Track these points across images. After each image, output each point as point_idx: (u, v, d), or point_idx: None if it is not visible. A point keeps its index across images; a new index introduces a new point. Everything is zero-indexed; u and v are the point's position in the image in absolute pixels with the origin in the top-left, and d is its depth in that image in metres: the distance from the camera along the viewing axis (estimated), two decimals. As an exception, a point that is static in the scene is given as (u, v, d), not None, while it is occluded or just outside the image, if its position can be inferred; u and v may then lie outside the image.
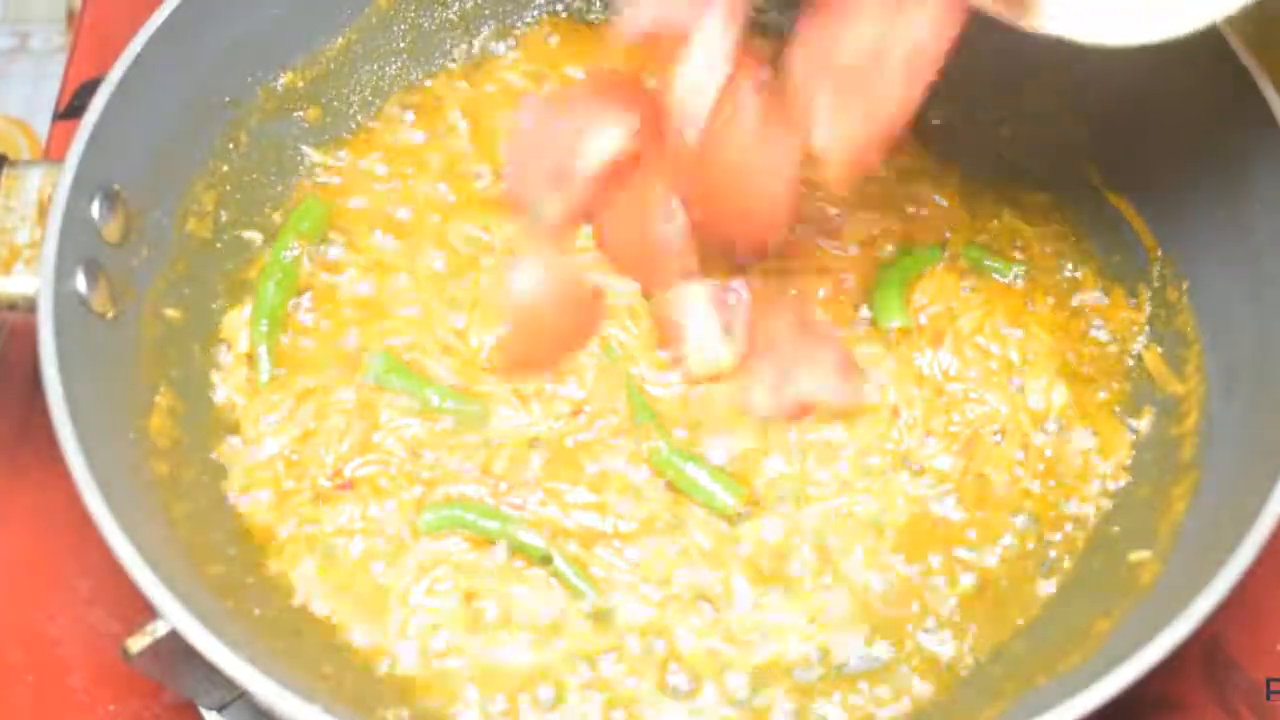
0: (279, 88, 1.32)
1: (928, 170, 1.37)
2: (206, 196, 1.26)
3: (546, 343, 1.20)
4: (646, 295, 1.24)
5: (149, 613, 0.94)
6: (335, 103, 1.37)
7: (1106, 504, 1.19)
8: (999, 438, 1.21)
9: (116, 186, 1.12)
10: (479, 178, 1.35)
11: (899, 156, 1.37)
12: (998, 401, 1.23)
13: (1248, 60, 1.15)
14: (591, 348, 1.23)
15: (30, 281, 1.07)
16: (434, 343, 1.24)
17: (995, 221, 1.34)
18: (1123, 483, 1.20)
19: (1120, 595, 1.08)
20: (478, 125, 1.39)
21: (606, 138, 1.19)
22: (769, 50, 1.13)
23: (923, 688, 1.10)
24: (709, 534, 1.15)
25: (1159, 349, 1.24)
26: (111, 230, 1.12)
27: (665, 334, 1.22)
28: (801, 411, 1.19)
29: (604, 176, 1.20)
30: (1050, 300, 1.29)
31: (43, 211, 1.09)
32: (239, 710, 1.13)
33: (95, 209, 1.10)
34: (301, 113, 1.35)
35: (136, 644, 0.95)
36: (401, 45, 1.41)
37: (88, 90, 1.32)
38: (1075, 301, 1.29)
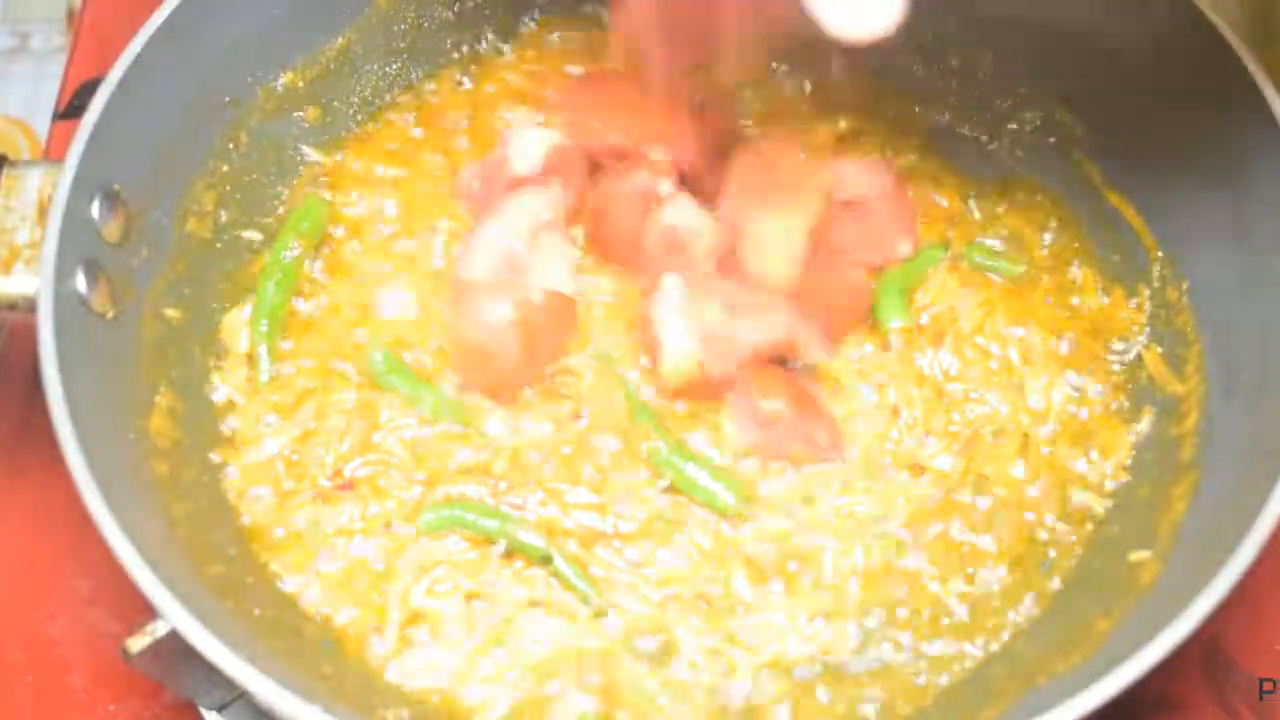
0: (279, 88, 1.32)
1: (928, 170, 1.37)
2: (206, 196, 1.26)
3: (512, 368, 1.20)
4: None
5: (149, 613, 0.94)
6: (335, 103, 1.37)
7: (1106, 504, 1.19)
8: (999, 438, 1.21)
9: (116, 186, 1.12)
10: (479, 178, 1.35)
11: (900, 157, 1.37)
12: (998, 401, 1.23)
13: (1248, 60, 1.15)
14: (583, 350, 1.23)
15: (30, 281, 1.07)
16: (432, 344, 1.24)
17: (996, 222, 1.34)
18: (1123, 483, 1.20)
19: (1120, 595, 1.08)
20: (478, 125, 1.39)
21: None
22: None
23: (923, 687, 1.10)
24: (709, 534, 1.15)
25: (1159, 349, 1.24)
26: (111, 230, 1.12)
27: (644, 339, 1.22)
28: (777, 459, 1.19)
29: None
30: (1050, 300, 1.29)
31: (43, 211, 1.09)
32: (239, 710, 1.13)
33: (95, 209, 1.10)
34: (301, 113, 1.35)
35: (136, 644, 0.95)
36: (401, 45, 1.41)
37: (88, 90, 1.32)
38: (1075, 301, 1.29)
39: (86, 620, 1.23)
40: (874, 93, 1.42)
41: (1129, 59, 1.28)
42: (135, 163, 1.15)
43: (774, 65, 1.42)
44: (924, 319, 1.27)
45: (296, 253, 1.28)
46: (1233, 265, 1.18)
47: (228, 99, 1.27)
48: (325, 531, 1.15)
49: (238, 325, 1.25)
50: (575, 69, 1.42)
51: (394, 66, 1.41)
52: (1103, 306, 1.29)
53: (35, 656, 1.22)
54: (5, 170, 1.12)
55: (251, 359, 1.23)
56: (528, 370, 1.20)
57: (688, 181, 1.27)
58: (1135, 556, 1.11)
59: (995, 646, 1.12)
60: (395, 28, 1.40)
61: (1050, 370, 1.25)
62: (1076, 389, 1.24)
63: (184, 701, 1.16)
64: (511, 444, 1.19)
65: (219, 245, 1.27)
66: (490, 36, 1.45)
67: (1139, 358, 1.25)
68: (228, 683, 0.94)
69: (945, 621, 1.13)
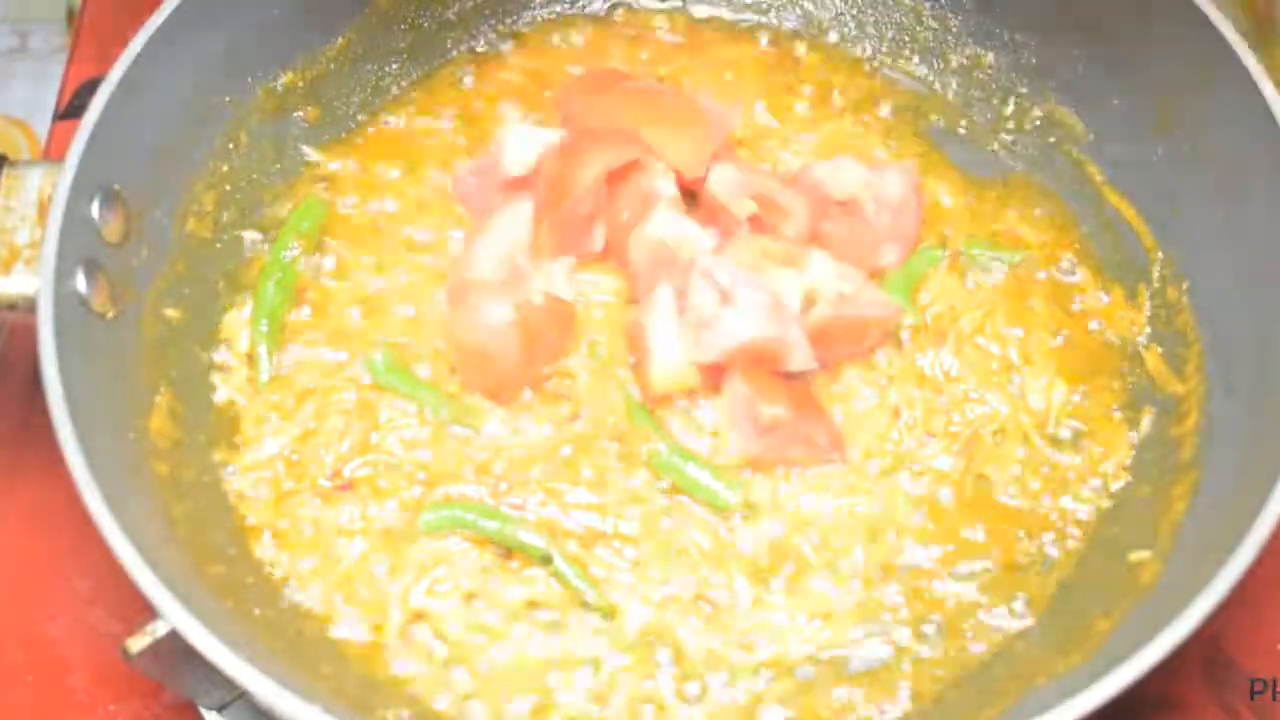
0: (279, 88, 1.32)
1: (930, 170, 1.37)
2: (206, 196, 1.26)
3: (512, 369, 1.20)
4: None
5: (149, 613, 0.94)
6: (335, 103, 1.37)
7: (1106, 504, 1.19)
8: (999, 438, 1.21)
9: (116, 186, 1.12)
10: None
11: (903, 157, 1.37)
12: (998, 401, 1.23)
13: (1248, 60, 1.15)
14: (580, 352, 1.23)
15: (30, 281, 1.07)
16: (431, 344, 1.24)
17: (996, 221, 1.34)
18: (1123, 483, 1.19)
19: (1120, 595, 1.08)
20: (477, 125, 1.39)
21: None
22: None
23: (923, 687, 1.10)
24: (709, 534, 1.15)
25: (1159, 349, 1.24)
26: (111, 230, 1.12)
27: (631, 346, 1.22)
28: (779, 464, 1.19)
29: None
30: (1050, 300, 1.29)
31: (43, 211, 1.09)
32: (239, 710, 1.13)
33: (95, 209, 1.09)
34: (301, 113, 1.35)
35: (136, 644, 0.95)
36: (401, 45, 1.41)
37: (88, 90, 1.32)
38: (1075, 301, 1.29)
39: (86, 620, 1.22)
40: (874, 92, 1.42)
41: (1130, 59, 1.28)
42: (135, 163, 1.15)
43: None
44: (926, 318, 1.27)
45: (296, 253, 1.28)
46: (1233, 265, 1.18)
47: (228, 99, 1.27)
48: (325, 531, 1.15)
49: (238, 325, 1.25)
50: (575, 69, 1.42)
51: (394, 66, 1.41)
52: (1103, 306, 1.29)
53: (35, 656, 1.22)
54: (5, 170, 1.12)
55: (251, 359, 1.23)
56: (527, 371, 1.20)
57: (687, 182, 1.27)
58: (1135, 556, 1.11)
59: (995, 647, 1.12)
60: (395, 28, 1.40)
61: (1050, 370, 1.25)
62: (1076, 389, 1.24)
63: (184, 701, 1.16)
64: (511, 444, 1.19)
65: (219, 245, 1.27)
66: (490, 36, 1.45)
67: (1139, 358, 1.25)
68: (228, 683, 0.94)
69: (945, 621, 1.13)
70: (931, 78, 1.43)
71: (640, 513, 1.16)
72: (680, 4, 1.48)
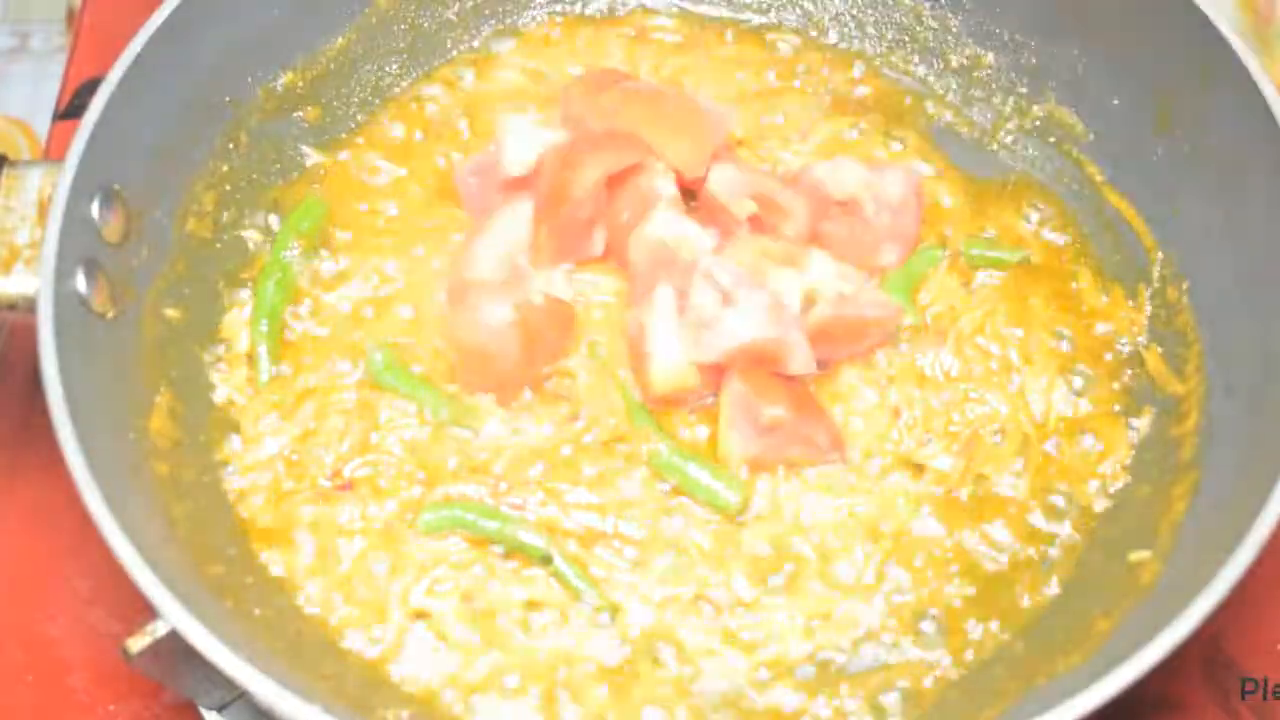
0: (279, 88, 1.32)
1: (928, 170, 1.37)
2: (206, 196, 1.26)
3: (512, 369, 1.20)
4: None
5: (149, 613, 0.94)
6: (335, 103, 1.37)
7: (1106, 504, 1.19)
8: (999, 438, 1.21)
9: (116, 186, 1.12)
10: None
11: (903, 157, 1.37)
12: (998, 401, 1.23)
13: (1248, 60, 1.15)
14: (580, 352, 1.23)
15: (30, 281, 1.07)
16: (431, 344, 1.24)
17: (996, 221, 1.34)
18: (1123, 483, 1.19)
19: (1120, 595, 1.08)
20: (478, 125, 1.39)
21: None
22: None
23: (923, 687, 1.10)
24: (709, 534, 1.15)
25: (1159, 349, 1.24)
26: (111, 230, 1.12)
27: (632, 346, 1.22)
28: (779, 464, 1.19)
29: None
30: (1050, 300, 1.29)
31: (43, 211, 1.09)
32: (239, 710, 1.13)
33: (95, 209, 1.09)
34: (301, 113, 1.35)
35: (136, 644, 0.95)
36: (401, 45, 1.41)
37: (88, 90, 1.32)
38: (1075, 302, 1.29)
39: (86, 620, 1.22)
40: (875, 92, 1.42)
41: (1130, 59, 1.28)
42: (135, 163, 1.15)
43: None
44: (927, 318, 1.27)
45: (296, 253, 1.28)
46: (1233, 265, 1.18)
47: (228, 99, 1.27)
48: (325, 531, 1.15)
49: (238, 325, 1.25)
50: (575, 69, 1.42)
51: (394, 66, 1.41)
52: (1103, 306, 1.29)
53: (35, 656, 1.22)
54: (5, 170, 1.12)
55: (251, 359, 1.23)
56: (527, 371, 1.20)
57: (687, 182, 1.27)
58: (1135, 556, 1.11)
59: (995, 646, 1.12)
60: (395, 28, 1.40)
61: (1050, 370, 1.25)
62: (1076, 389, 1.24)
63: (184, 701, 1.16)
64: (511, 444, 1.19)
65: (219, 245, 1.27)
66: (490, 36, 1.45)
67: (1139, 358, 1.25)
68: (228, 683, 0.94)
69: (944, 621, 1.13)
70: (931, 78, 1.43)
71: (640, 513, 1.16)
72: (680, 4, 1.48)
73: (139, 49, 1.14)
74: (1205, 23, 1.18)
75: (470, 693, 1.09)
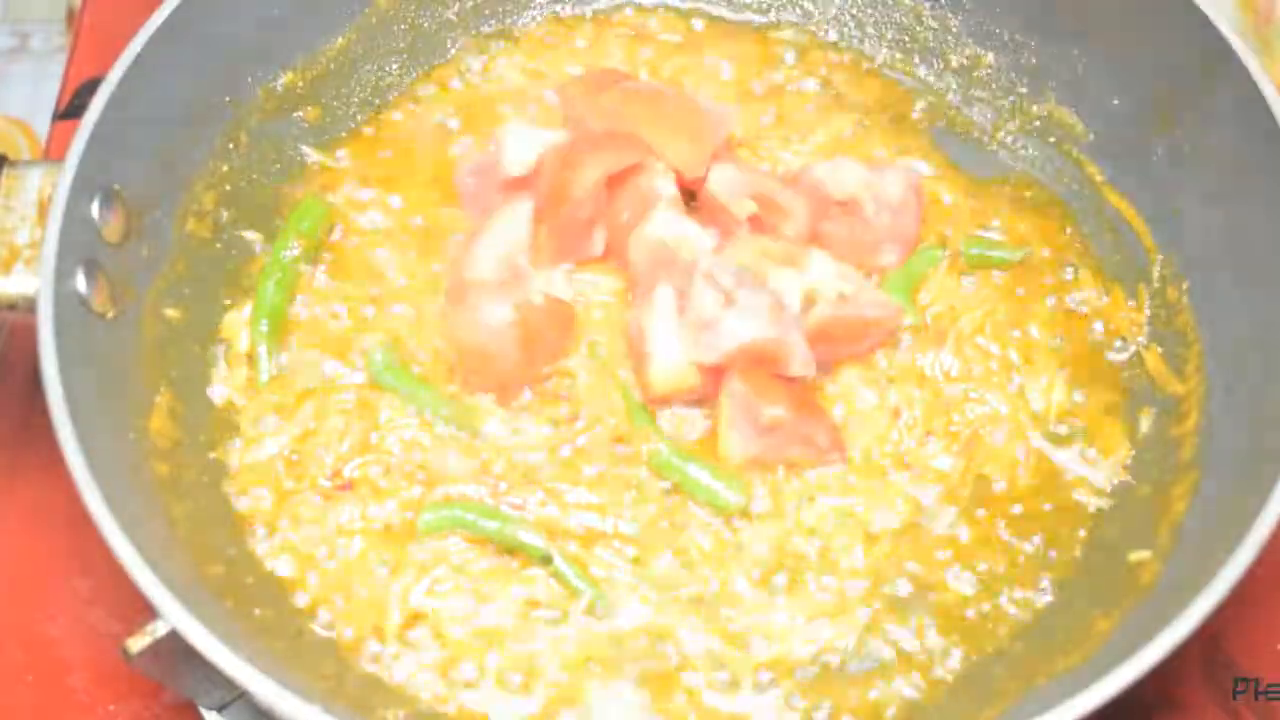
0: (279, 88, 1.32)
1: (928, 170, 1.37)
2: (206, 196, 1.26)
3: (512, 369, 1.20)
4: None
5: (149, 613, 0.94)
6: (335, 103, 1.37)
7: (1106, 504, 1.19)
8: (999, 438, 1.21)
9: (116, 186, 1.12)
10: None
11: (902, 157, 1.37)
12: (998, 401, 1.23)
13: (1248, 60, 1.15)
14: (580, 352, 1.23)
15: (30, 281, 1.07)
16: (431, 344, 1.24)
17: (996, 221, 1.34)
18: (1123, 483, 1.19)
19: (1120, 595, 1.08)
20: (477, 125, 1.39)
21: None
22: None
23: (923, 687, 1.10)
24: (709, 534, 1.15)
25: (1159, 349, 1.24)
26: (111, 230, 1.12)
27: (632, 348, 1.22)
28: (779, 464, 1.18)
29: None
30: (1050, 300, 1.29)
31: (43, 211, 1.09)
32: (239, 710, 1.13)
33: (95, 209, 1.10)
34: (301, 113, 1.35)
35: (136, 644, 0.95)
36: (401, 45, 1.41)
37: (88, 90, 1.32)
38: (1075, 301, 1.29)
39: (86, 620, 1.22)
40: (874, 92, 1.43)
41: (1130, 59, 1.28)
42: (135, 163, 1.15)
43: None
44: (927, 318, 1.27)
45: (296, 253, 1.28)
46: (1233, 265, 1.18)
47: (228, 99, 1.27)
48: (325, 531, 1.15)
49: (238, 325, 1.25)
50: (575, 69, 1.42)
51: (394, 66, 1.41)
52: (1103, 306, 1.29)
53: (35, 656, 1.22)
54: (5, 170, 1.12)
55: (251, 359, 1.23)
56: (527, 371, 1.20)
57: (687, 182, 1.27)
58: (1135, 556, 1.11)
59: (995, 646, 1.12)
60: (395, 28, 1.40)
61: (1050, 370, 1.25)
62: (1076, 389, 1.24)
63: (184, 701, 1.16)
64: (511, 444, 1.19)
65: (219, 245, 1.27)
66: (490, 36, 1.45)
67: (1139, 358, 1.25)
68: (228, 683, 0.94)
69: (945, 622, 1.13)
70: (931, 78, 1.43)
71: (640, 513, 1.16)
72: (680, 4, 1.48)
73: (139, 49, 1.14)
74: (1205, 23, 1.18)
75: (470, 693, 1.09)
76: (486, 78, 1.43)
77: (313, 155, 1.35)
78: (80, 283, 1.06)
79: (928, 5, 1.42)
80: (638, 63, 1.43)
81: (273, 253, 1.28)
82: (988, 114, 1.40)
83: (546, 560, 1.13)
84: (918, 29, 1.43)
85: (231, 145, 1.28)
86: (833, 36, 1.46)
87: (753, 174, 1.28)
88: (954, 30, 1.41)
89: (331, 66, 1.36)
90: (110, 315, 1.11)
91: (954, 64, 1.42)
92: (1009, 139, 1.39)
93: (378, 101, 1.40)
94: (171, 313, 1.20)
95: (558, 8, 1.47)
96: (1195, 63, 1.20)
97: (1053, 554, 1.17)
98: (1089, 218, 1.33)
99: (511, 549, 1.14)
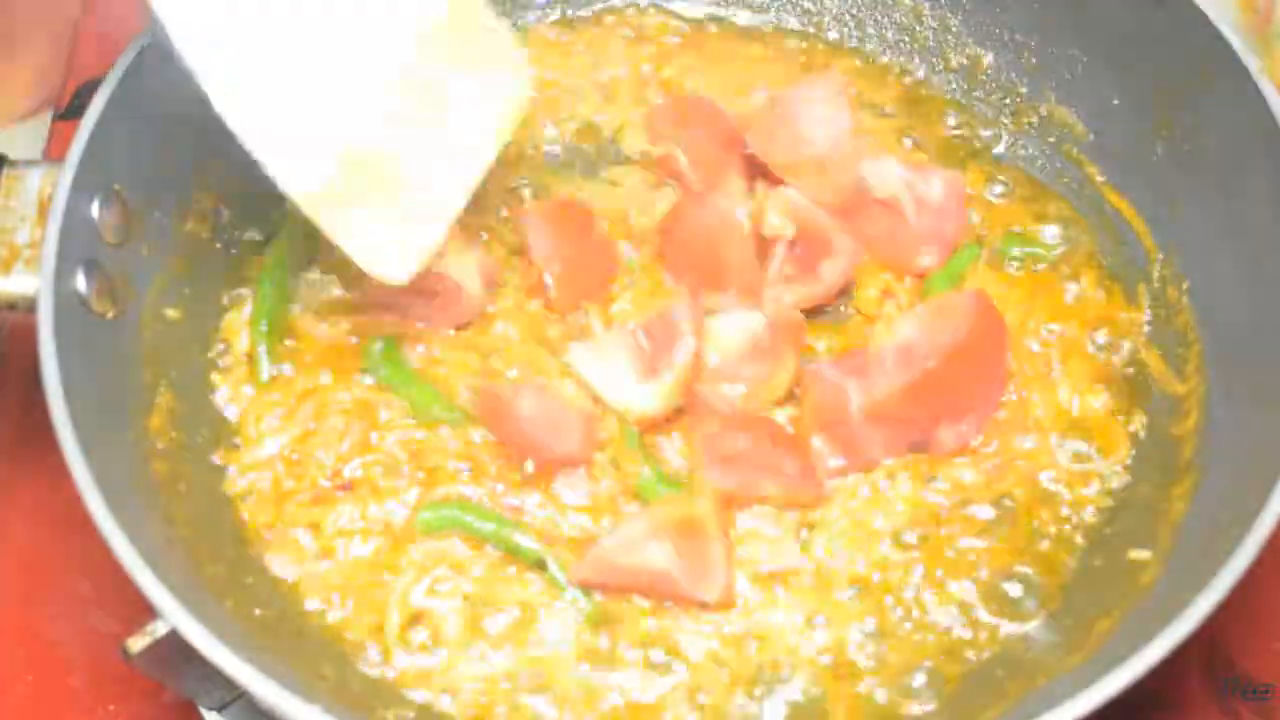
0: (279, 88, 1.32)
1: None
2: (206, 196, 1.26)
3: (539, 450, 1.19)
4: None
5: (149, 613, 0.94)
6: (335, 103, 1.37)
7: (1106, 504, 1.18)
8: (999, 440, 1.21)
9: (116, 186, 1.12)
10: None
11: (914, 155, 1.37)
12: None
13: (1248, 60, 1.15)
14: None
15: (30, 281, 1.07)
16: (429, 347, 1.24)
17: (996, 222, 1.34)
18: (1123, 483, 1.19)
19: (1120, 595, 1.08)
20: (478, 125, 1.39)
21: None
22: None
23: (923, 687, 1.10)
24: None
25: (1159, 349, 1.24)
26: (111, 230, 1.12)
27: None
28: (753, 501, 1.17)
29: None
30: (1050, 301, 1.29)
31: (43, 211, 1.09)
32: (239, 710, 1.13)
33: (95, 209, 1.10)
34: (301, 113, 1.34)
35: (136, 644, 0.95)
36: (401, 45, 1.41)
37: (88, 90, 1.32)
38: (1075, 302, 1.29)
39: (86, 620, 1.22)
40: (875, 92, 1.42)
41: (1130, 59, 1.28)
42: (135, 163, 1.15)
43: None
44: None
45: (297, 252, 1.28)
46: (1233, 265, 1.19)
47: (228, 99, 1.27)
48: (325, 532, 1.15)
49: (238, 325, 1.25)
50: (576, 69, 1.42)
51: (394, 66, 1.41)
52: (1102, 306, 1.29)
53: (35, 656, 1.22)
54: (5, 170, 1.12)
55: (251, 359, 1.23)
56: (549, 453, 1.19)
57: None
58: (1135, 556, 1.11)
59: (995, 647, 1.11)
60: (395, 27, 1.40)
61: (1049, 370, 1.24)
62: (1076, 389, 1.24)
63: (184, 701, 1.16)
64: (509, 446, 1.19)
65: (219, 245, 1.27)
66: (490, 36, 1.45)
67: (1139, 358, 1.25)
68: (228, 683, 0.94)
69: (945, 622, 1.13)
70: (931, 78, 1.43)
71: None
72: (680, 4, 1.48)
73: (139, 49, 1.14)
74: (1205, 23, 1.18)
75: (471, 693, 1.09)
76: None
77: (313, 155, 1.35)
78: (80, 283, 1.06)
79: (928, 5, 1.42)
80: (638, 63, 1.43)
81: (273, 253, 1.28)
82: (988, 114, 1.40)
83: (541, 565, 1.13)
84: (918, 29, 1.43)
85: (232, 145, 1.28)
86: (832, 36, 1.46)
87: (809, 205, 1.26)
88: (954, 30, 1.41)
89: (331, 66, 1.36)
90: (110, 315, 1.11)
91: (954, 64, 1.42)
92: (1009, 139, 1.39)
93: (378, 101, 1.40)
94: (171, 313, 1.20)
95: (558, 8, 1.47)
96: (1195, 63, 1.20)
97: (1052, 554, 1.16)
98: (1089, 218, 1.33)
99: (507, 552, 1.13)
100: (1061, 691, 0.92)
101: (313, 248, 1.28)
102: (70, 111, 1.53)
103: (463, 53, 1.13)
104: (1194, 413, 1.17)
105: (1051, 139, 1.37)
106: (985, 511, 1.17)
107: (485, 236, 1.30)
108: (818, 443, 1.17)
